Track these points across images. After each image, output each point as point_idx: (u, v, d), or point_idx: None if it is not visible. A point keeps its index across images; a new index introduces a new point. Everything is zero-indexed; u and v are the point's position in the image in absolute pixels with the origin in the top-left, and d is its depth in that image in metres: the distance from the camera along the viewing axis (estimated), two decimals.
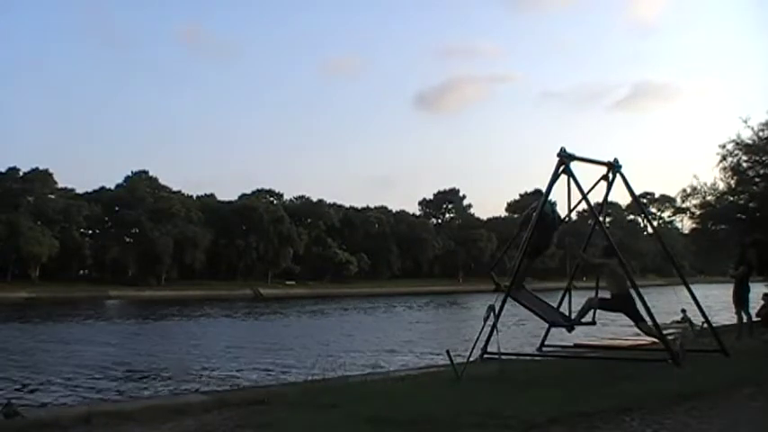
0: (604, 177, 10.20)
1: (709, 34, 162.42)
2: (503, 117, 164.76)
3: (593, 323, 10.11)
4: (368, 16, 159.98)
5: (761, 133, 16.71)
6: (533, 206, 10.21)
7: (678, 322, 17.41)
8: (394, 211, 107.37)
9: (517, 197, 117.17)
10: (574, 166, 9.64)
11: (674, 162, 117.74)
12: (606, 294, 9.68)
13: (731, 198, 17.69)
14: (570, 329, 10.07)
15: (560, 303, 11.20)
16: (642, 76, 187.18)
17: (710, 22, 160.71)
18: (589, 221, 10.97)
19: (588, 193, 10.03)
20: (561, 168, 9.56)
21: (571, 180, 9.56)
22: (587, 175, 10.02)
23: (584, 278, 14.29)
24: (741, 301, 12.59)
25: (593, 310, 9.82)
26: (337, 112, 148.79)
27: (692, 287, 10.43)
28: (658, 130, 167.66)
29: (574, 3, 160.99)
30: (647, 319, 9.21)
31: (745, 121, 16.68)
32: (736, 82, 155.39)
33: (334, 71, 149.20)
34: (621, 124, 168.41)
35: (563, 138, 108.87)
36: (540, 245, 10.02)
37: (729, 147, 17.02)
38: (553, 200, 10.15)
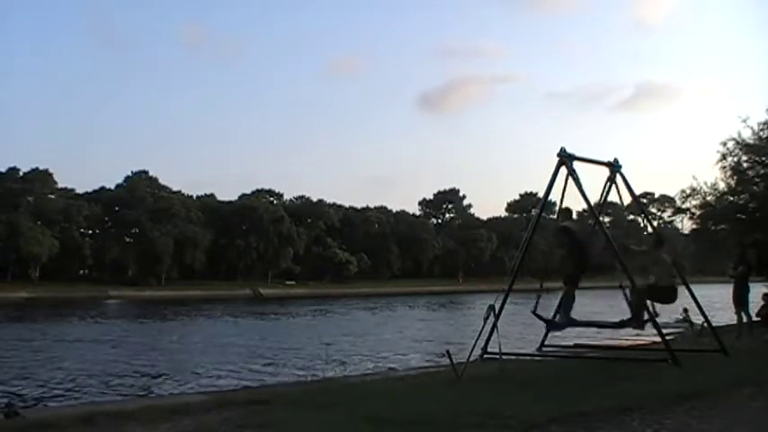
0: (610, 179, 10.19)
1: (711, 34, 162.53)
2: (504, 117, 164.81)
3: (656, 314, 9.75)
4: (370, 16, 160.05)
5: (761, 133, 16.68)
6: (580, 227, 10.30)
7: (680, 321, 17.46)
8: (394, 211, 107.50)
9: (517, 197, 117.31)
10: (574, 165, 9.64)
11: (676, 162, 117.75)
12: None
13: (731, 198, 17.68)
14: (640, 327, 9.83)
15: (560, 303, 11.20)
16: (644, 77, 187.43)
17: (712, 23, 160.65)
18: (589, 221, 10.95)
19: (605, 199, 10.38)
20: (565, 170, 9.56)
21: (575, 180, 9.56)
22: (589, 175, 10.03)
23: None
24: (741, 301, 12.61)
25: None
26: (338, 113, 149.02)
27: (691, 287, 10.42)
28: (660, 131, 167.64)
29: (577, 3, 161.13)
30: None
31: (744, 121, 16.66)
32: (738, 82, 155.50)
33: (335, 71, 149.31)
34: (623, 124, 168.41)
35: (565, 138, 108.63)
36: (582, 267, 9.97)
37: (730, 145, 17.01)
38: (553, 200, 10.18)
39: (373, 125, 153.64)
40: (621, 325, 10.00)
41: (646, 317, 9.45)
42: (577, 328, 10.52)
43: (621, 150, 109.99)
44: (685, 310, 16.79)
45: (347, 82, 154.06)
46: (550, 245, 11.45)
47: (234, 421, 5.83)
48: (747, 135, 16.82)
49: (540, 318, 10.29)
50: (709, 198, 17.98)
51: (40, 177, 78.74)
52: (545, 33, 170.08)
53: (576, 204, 10.34)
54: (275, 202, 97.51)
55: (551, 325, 10.25)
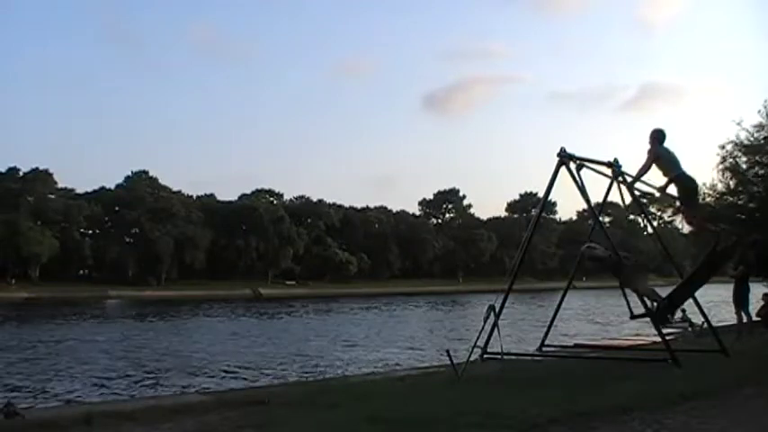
0: (614, 179, 10.14)
1: (716, 35, 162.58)
2: (508, 118, 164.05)
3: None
4: (375, 17, 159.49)
5: (756, 134, 16.79)
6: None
7: (679, 321, 17.44)
8: (394, 211, 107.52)
9: (517, 197, 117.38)
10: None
11: (681, 162, 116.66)
12: None
13: (731, 198, 17.71)
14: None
15: (560, 303, 11.22)
16: (648, 78, 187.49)
17: (716, 23, 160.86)
18: (589, 221, 10.93)
19: (605, 199, 10.40)
20: (571, 169, 9.52)
21: (575, 180, 9.54)
22: (590, 175, 9.99)
23: (584, 278, 14.32)
24: (741, 301, 12.61)
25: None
26: (340, 113, 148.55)
27: None
28: (665, 131, 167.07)
29: (581, 4, 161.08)
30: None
31: (739, 124, 16.79)
32: (743, 83, 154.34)
33: (340, 72, 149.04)
34: (627, 125, 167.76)
35: (568, 138, 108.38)
36: None
37: (729, 148, 17.09)
38: (553, 200, 10.17)
39: (375, 125, 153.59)
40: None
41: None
42: (576, 329, 10.48)
43: (624, 151, 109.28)
44: (683, 310, 16.77)
45: (350, 82, 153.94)
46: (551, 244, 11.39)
47: (234, 421, 5.83)
48: (745, 136, 16.92)
49: (640, 316, 9.23)
50: (708, 199, 17.98)
51: (40, 177, 78.81)
52: (549, 34, 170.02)
53: (576, 204, 10.34)
54: (275, 202, 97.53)
55: (659, 317, 9.13)
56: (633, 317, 9.13)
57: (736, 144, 16.98)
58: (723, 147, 17.11)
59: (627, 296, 9.02)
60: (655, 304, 9.14)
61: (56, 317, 42.73)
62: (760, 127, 16.76)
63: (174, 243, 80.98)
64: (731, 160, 17.13)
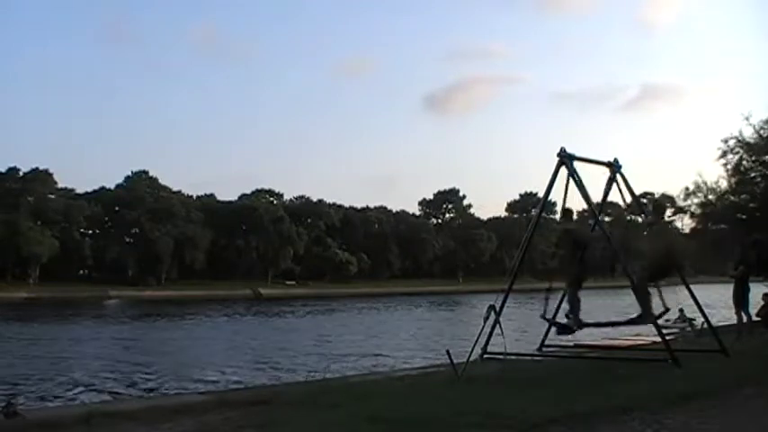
0: (612, 179, 10.16)
1: (717, 35, 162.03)
2: (509, 118, 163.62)
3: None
4: (376, 17, 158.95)
5: (762, 131, 16.71)
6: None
7: (677, 321, 17.46)
8: (394, 211, 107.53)
9: (517, 197, 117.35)
10: (576, 165, 9.63)
11: (681, 163, 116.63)
12: None
13: (732, 198, 17.70)
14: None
15: (560, 303, 11.20)
16: (649, 78, 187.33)
17: (718, 23, 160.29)
18: (589, 222, 10.96)
19: (605, 198, 10.50)
20: (565, 170, 9.53)
21: (575, 180, 9.54)
22: (591, 174, 10.01)
23: None
24: (741, 301, 12.61)
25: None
26: (341, 113, 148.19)
27: (692, 287, 10.42)
28: (665, 131, 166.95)
29: (582, 4, 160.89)
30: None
31: (747, 118, 16.68)
32: (744, 83, 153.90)
33: (341, 72, 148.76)
34: (628, 125, 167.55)
35: (569, 138, 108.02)
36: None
37: (731, 143, 17.03)
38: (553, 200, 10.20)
39: (375, 125, 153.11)
40: (633, 322, 9.86)
41: (659, 310, 9.37)
42: (582, 329, 10.49)
43: (626, 151, 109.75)
44: (680, 311, 16.77)
45: (350, 82, 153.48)
46: (552, 246, 11.54)
47: (234, 421, 5.83)
48: (749, 134, 16.86)
49: (551, 322, 10.18)
50: (710, 197, 17.98)
51: (40, 177, 78.75)
52: (550, 34, 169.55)
53: (578, 204, 10.34)
54: (275, 202, 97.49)
55: (562, 329, 10.08)
56: (543, 317, 10.14)
57: (738, 140, 16.92)
58: (726, 141, 17.05)
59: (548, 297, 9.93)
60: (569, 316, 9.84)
61: (56, 317, 42.75)
62: (767, 124, 16.68)
63: (174, 243, 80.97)
64: (733, 156, 17.10)
